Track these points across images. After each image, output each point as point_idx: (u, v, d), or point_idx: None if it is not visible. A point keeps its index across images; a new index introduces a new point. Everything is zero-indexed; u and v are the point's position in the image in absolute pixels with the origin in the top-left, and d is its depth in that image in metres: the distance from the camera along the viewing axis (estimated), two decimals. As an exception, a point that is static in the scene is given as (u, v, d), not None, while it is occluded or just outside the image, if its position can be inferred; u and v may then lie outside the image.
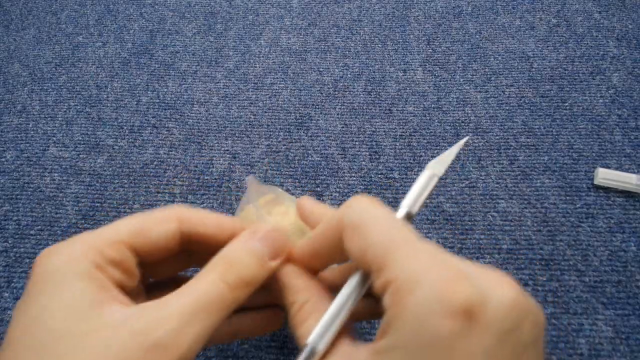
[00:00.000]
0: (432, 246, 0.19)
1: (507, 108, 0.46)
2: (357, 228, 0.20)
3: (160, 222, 0.22)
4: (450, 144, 0.43)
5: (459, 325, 0.16)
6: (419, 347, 0.16)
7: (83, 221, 0.40)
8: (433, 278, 0.17)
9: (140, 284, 0.24)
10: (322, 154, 0.43)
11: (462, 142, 0.23)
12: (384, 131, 0.44)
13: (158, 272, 0.25)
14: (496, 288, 0.17)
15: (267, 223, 0.27)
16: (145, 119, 0.47)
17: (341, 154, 0.43)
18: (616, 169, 0.41)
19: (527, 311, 0.17)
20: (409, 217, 0.21)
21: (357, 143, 0.44)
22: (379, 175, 0.41)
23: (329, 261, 0.23)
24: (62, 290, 0.19)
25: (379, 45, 0.52)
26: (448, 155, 0.23)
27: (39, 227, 0.39)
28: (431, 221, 0.39)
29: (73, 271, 0.20)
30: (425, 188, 0.22)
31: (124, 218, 0.23)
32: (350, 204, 0.21)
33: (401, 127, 0.45)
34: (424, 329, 0.16)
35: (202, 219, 0.23)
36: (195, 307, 0.20)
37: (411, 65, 0.50)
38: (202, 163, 0.43)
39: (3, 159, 0.44)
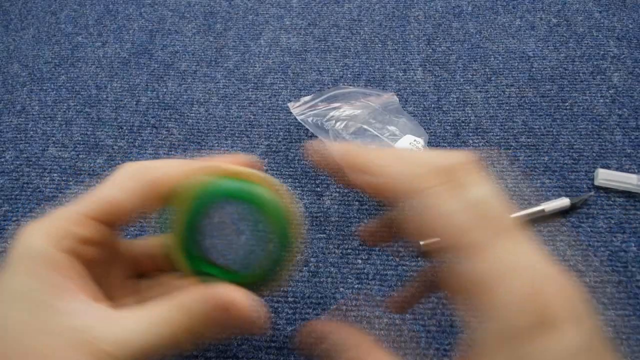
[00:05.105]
0: (520, 237, 0.18)
1: (507, 108, 0.46)
2: (428, 209, 0.18)
3: (131, 189, 0.22)
4: (451, 144, 0.43)
5: (538, 328, 0.16)
6: (510, 339, 0.16)
7: (82, 221, 0.39)
8: (520, 280, 0.17)
9: (127, 269, 0.25)
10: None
11: None
12: (384, 131, 0.44)
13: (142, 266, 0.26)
14: (573, 302, 0.17)
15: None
16: (145, 119, 0.46)
17: (341, 154, 0.43)
18: (617, 169, 0.41)
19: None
20: None
21: (357, 143, 0.44)
22: (379, 176, 0.41)
23: (359, 186, 0.21)
24: (27, 277, 0.20)
25: (379, 45, 0.52)
26: None
27: (39, 227, 0.39)
28: (431, 221, 0.38)
29: (43, 257, 0.20)
30: None
31: (90, 191, 0.23)
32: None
33: (401, 127, 0.45)
34: (512, 326, 0.16)
35: (172, 177, 0.23)
36: (138, 349, 0.19)
37: (411, 65, 0.50)
38: (202, 163, 0.43)
39: (2, 159, 0.44)
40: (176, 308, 0.20)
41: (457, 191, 0.18)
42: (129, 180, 0.22)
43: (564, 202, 0.38)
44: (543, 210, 0.37)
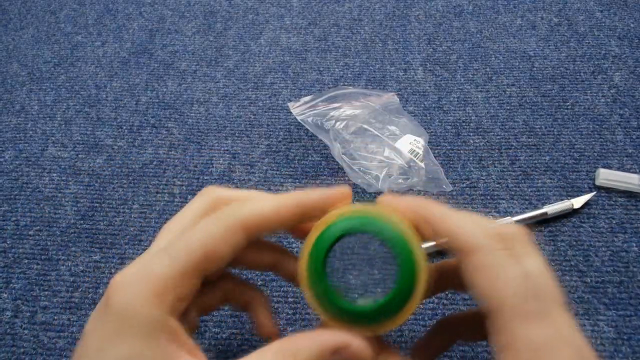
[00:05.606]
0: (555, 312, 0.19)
1: (508, 108, 0.45)
2: (491, 268, 0.20)
3: (227, 239, 0.21)
4: (451, 144, 0.43)
5: None
6: None
7: (82, 221, 0.39)
8: (570, 352, 0.19)
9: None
10: (322, 154, 0.43)
11: None
12: (385, 131, 0.44)
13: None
14: None
15: None
16: (145, 119, 0.46)
17: (341, 154, 0.43)
18: (618, 169, 0.40)
19: None
20: None
21: (357, 143, 0.44)
22: (380, 175, 0.41)
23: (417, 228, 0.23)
24: (139, 345, 0.19)
25: (380, 45, 0.52)
26: None
27: (38, 227, 0.39)
28: (432, 221, 0.38)
29: (151, 322, 0.19)
30: None
31: (188, 232, 0.21)
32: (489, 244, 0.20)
33: (402, 126, 0.45)
34: None
35: (265, 217, 0.22)
36: None
37: (412, 64, 0.50)
38: (202, 163, 0.43)
39: (2, 159, 0.44)
40: (285, 358, 0.20)
41: (515, 259, 0.20)
42: (226, 228, 0.21)
43: (566, 205, 0.38)
44: (546, 213, 0.37)
